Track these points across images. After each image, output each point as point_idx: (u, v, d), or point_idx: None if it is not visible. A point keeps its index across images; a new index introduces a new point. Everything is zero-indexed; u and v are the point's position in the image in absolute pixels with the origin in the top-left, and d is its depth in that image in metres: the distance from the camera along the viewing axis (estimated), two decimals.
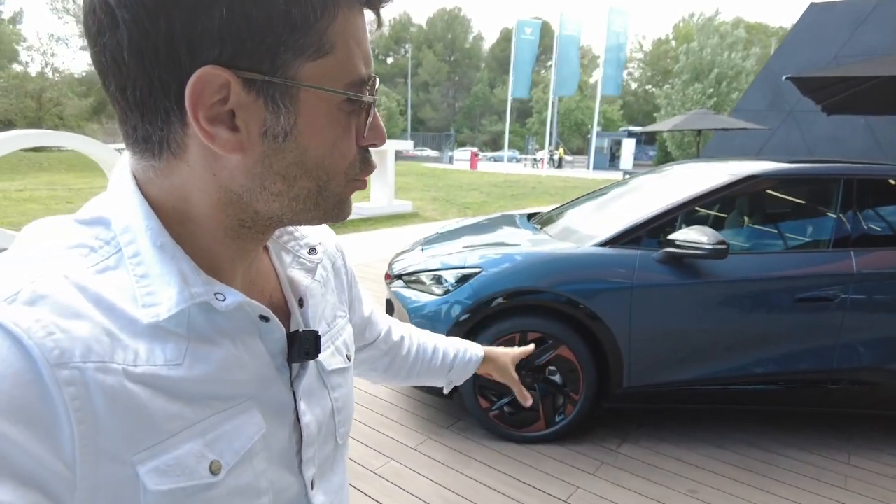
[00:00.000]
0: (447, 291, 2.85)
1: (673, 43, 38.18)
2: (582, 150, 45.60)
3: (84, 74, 37.51)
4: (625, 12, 23.08)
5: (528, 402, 1.05)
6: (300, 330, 0.57)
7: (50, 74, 36.50)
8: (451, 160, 37.40)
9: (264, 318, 0.52)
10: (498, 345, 2.68)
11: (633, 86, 58.31)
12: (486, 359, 1.03)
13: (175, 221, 0.47)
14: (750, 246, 2.95)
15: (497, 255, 2.91)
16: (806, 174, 2.99)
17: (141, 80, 0.42)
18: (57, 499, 0.38)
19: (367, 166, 0.51)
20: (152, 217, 0.46)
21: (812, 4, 12.39)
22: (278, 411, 0.54)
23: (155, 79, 0.42)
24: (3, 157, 6.01)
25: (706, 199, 2.87)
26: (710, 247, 2.54)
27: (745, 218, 3.12)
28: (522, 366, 2.79)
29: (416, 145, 50.32)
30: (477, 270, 2.84)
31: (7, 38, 35.99)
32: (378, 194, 10.69)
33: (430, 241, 3.62)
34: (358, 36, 0.46)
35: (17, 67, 35.63)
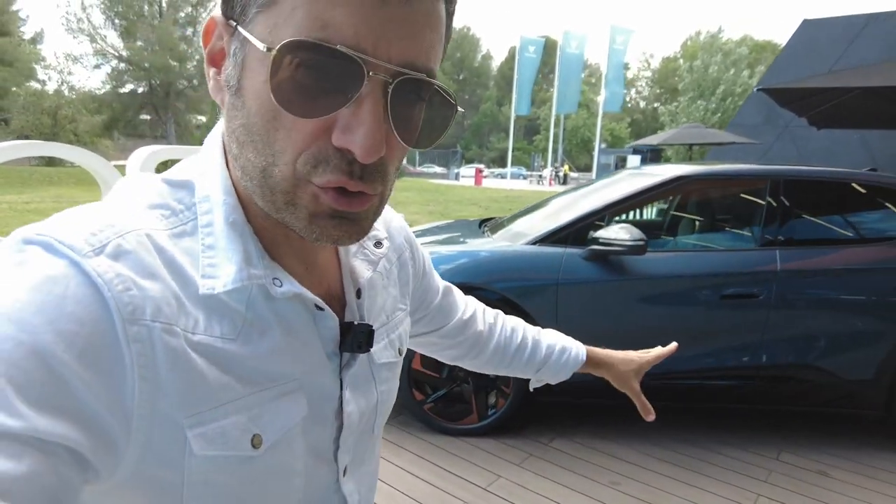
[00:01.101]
0: None
1: (681, 61, 38.46)
2: (589, 167, 45.75)
3: (97, 92, 38.55)
4: (627, 31, 23.32)
5: (651, 418, 0.97)
6: (356, 322, 0.57)
7: (66, 92, 37.53)
8: (457, 177, 37.67)
9: (319, 308, 0.52)
10: None
11: (642, 104, 58.54)
12: (596, 363, 0.96)
13: (245, 197, 0.48)
14: (676, 244, 3.03)
15: (432, 251, 3.01)
16: (733, 175, 3.07)
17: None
18: (113, 444, 0.39)
19: (328, 170, 0.42)
20: (231, 192, 0.48)
21: (805, 21, 12.49)
22: (323, 398, 0.54)
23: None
24: (15, 171, 6.24)
25: (633, 200, 2.95)
26: (629, 243, 2.63)
27: (676, 218, 3.20)
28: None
29: (423, 162, 50.76)
30: None
31: (26, 58, 37.09)
32: None
33: None
34: None
35: (34, 85, 36.64)
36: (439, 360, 0.92)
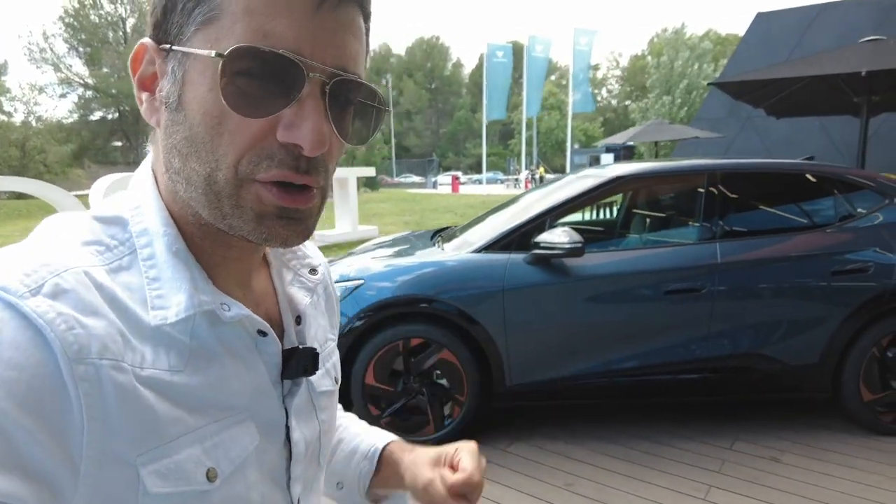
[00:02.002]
0: None
1: (649, 58, 39.13)
2: (565, 168, 46.16)
3: (65, 121, 38.07)
4: (591, 32, 23.65)
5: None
6: (300, 347, 0.57)
7: (34, 123, 36.97)
8: (434, 185, 37.77)
9: (262, 333, 0.52)
10: (383, 353, 2.80)
11: (614, 102, 59.26)
12: (390, 461, 0.75)
13: (182, 224, 0.49)
14: (619, 243, 3.07)
15: (379, 267, 3.01)
16: (670, 172, 3.13)
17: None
18: (60, 494, 0.38)
19: (272, 165, 0.44)
20: (170, 224, 0.48)
21: (759, 13, 12.77)
22: (271, 426, 0.54)
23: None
24: None
25: (573, 203, 2.99)
26: (567, 246, 2.66)
27: (618, 217, 3.24)
28: (411, 371, 2.88)
29: (400, 172, 50.83)
30: (359, 282, 2.94)
31: None
32: (342, 221, 10.82)
33: (348, 255, 3.71)
34: (252, 4, 0.41)
35: (0, 117, 36.06)
36: None
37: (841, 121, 10.34)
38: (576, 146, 28.78)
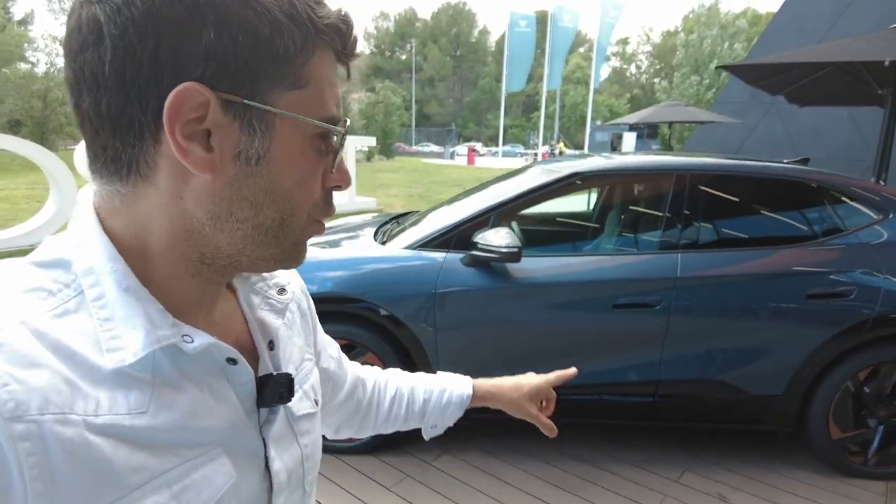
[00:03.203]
0: None
1: (682, 35, 37.60)
2: (584, 145, 45.14)
3: None
4: (620, 4, 22.60)
5: (553, 434, 0.95)
6: (273, 373, 0.56)
7: (57, 75, 36.97)
8: (452, 156, 37.19)
9: (232, 361, 0.51)
10: None
11: (643, 79, 57.41)
12: (484, 396, 0.93)
13: (138, 258, 0.46)
14: (567, 248, 2.76)
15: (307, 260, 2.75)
16: (635, 170, 2.79)
17: (118, 95, 0.42)
18: None
19: (328, 208, 0.52)
20: (117, 259, 0.45)
21: None
22: (248, 458, 0.52)
23: (133, 93, 0.41)
24: None
25: (522, 199, 2.68)
26: (503, 250, 2.37)
27: (569, 219, 2.93)
28: None
29: (419, 141, 50.30)
30: None
31: (14, 41, 36.52)
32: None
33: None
34: (331, 78, 0.48)
35: (23, 66, 36.11)
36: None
37: (872, 111, 9.71)
38: (598, 122, 27.82)
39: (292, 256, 0.52)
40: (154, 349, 0.44)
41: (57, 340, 0.41)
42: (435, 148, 45.45)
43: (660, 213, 2.63)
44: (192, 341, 0.47)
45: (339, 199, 10.46)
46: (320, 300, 2.55)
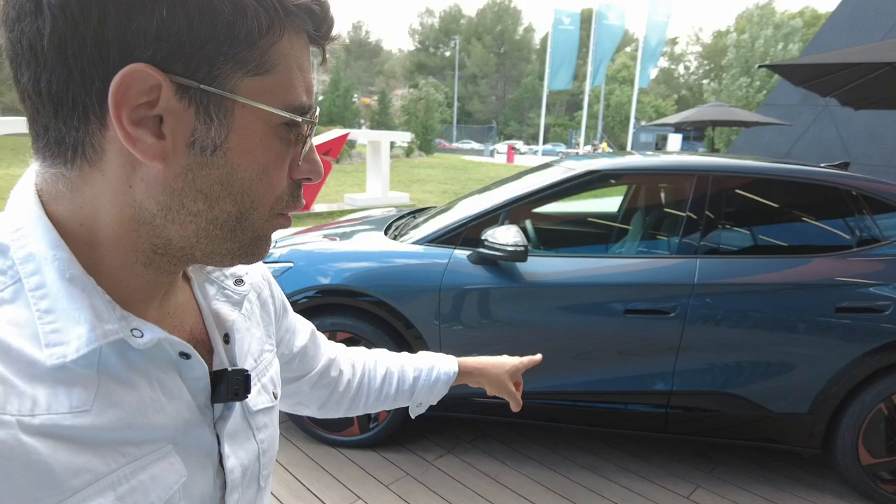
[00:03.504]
0: None
1: (734, 34, 36.28)
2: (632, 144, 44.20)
3: None
4: (669, 3, 21.92)
5: (516, 408, 1.00)
6: (228, 369, 0.53)
7: None
8: (492, 153, 36.98)
9: (184, 356, 0.48)
10: None
11: (692, 80, 55.76)
12: (469, 372, 0.97)
13: (84, 245, 0.43)
14: (582, 249, 2.66)
15: (307, 250, 2.73)
16: (654, 170, 2.65)
17: (59, 72, 0.38)
18: None
19: (295, 201, 0.49)
20: (61, 246, 0.42)
21: None
22: (200, 456, 0.50)
23: (76, 72, 0.38)
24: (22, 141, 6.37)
25: (533, 197, 2.58)
26: (509, 248, 2.29)
27: (584, 219, 2.82)
28: None
29: (460, 138, 50.20)
30: (287, 264, 2.68)
31: None
32: (373, 184, 10.62)
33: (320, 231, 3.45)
34: (301, 62, 0.45)
35: None
36: (304, 413, 0.87)
37: None
38: (642, 123, 27.14)
39: (251, 252, 0.48)
40: (100, 344, 0.41)
41: None
42: (475, 145, 45.30)
43: (678, 216, 2.49)
44: (142, 335, 0.44)
45: (373, 192, 10.50)
46: (327, 292, 2.55)
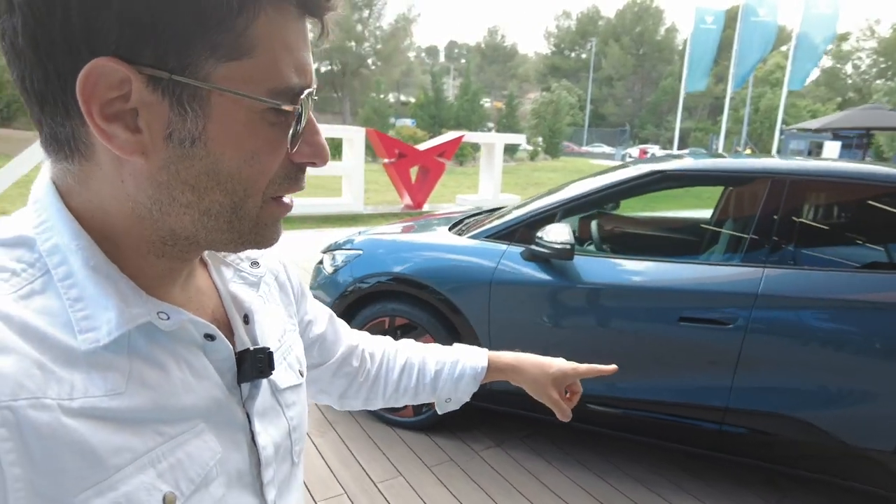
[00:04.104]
0: (335, 269, 2.95)
1: None
2: (779, 152, 40.13)
3: None
4: None
5: (567, 419, 0.89)
6: (251, 348, 0.55)
7: None
8: (624, 158, 35.59)
9: (209, 337, 0.50)
10: (369, 328, 2.75)
11: (862, 80, 49.25)
12: (501, 368, 0.89)
13: (101, 236, 0.44)
14: (636, 250, 2.56)
15: (376, 239, 2.92)
16: (723, 173, 2.48)
17: (37, 70, 0.39)
18: None
19: (292, 184, 0.47)
20: (82, 235, 0.43)
21: None
22: (233, 434, 0.52)
23: (51, 70, 0.38)
24: None
25: (592, 196, 2.55)
26: (557, 246, 2.30)
27: (645, 220, 2.70)
28: None
29: (591, 141, 48.83)
30: (358, 251, 2.89)
31: None
32: (485, 186, 10.79)
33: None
34: (288, 40, 0.42)
35: None
36: (325, 402, 0.86)
37: None
38: (784, 128, 24.46)
39: (256, 240, 0.48)
40: (129, 328, 0.43)
41: (24, 323, 0.39)
42: (607, 149, 43.88)
43: (747, 222, 2.33)
44: (168, 318, 0.45)
45: (484, 194, 10.66)
46: (390, 280, 2.72)
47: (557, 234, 2.32)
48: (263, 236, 0.48)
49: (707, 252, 2.52)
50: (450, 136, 10.31)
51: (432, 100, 28.73)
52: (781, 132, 22.96)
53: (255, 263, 0.61)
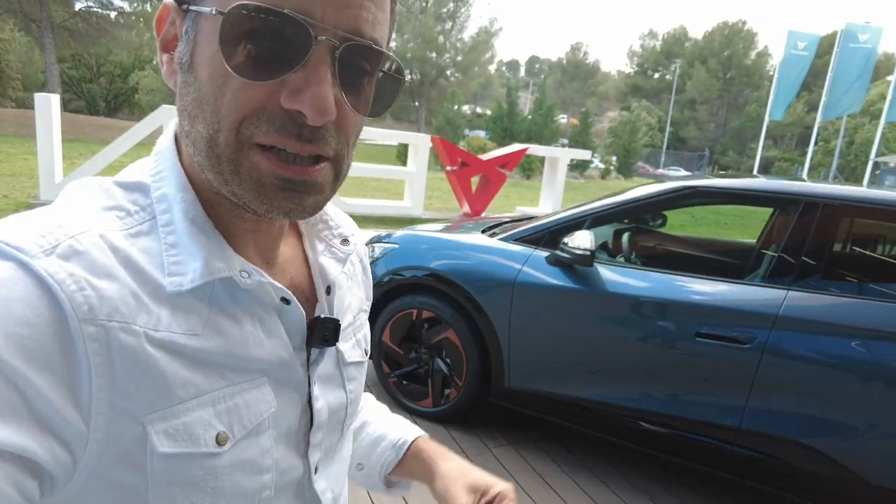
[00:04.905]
0: (373, 260, 3.11)
1: None
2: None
3: None
4: None
5: None
6: (322, 316, 0.57)
7: None
8: None
9: (285, 301, 0.52)
10: (399, 316, 2.90)
11: None
12: (417, 455, 0.74)
13: (201, 191, 0.49)
14: (660, 263, 2.57)
15: (414, 234, 3.06)
16: (754, 192, 2.44)
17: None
18: (70, 448, 0.39)
19: (277, 132, 0.43)
20: (188, 189, 0.48)
21: None
22: (291, 392, 0.54)
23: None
24: None
25: (620, 208, 2.58)
26: (577, 252, 2.36)
27: (673, 234, 2.70)
28: (419, 342, 2.93)
29: (668, 164, 47.39)
30: (395, 245, 3.04)
31: None
32: (546, 199, 10.77)
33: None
34: None
35: None
36: None
37: None
38: (873, 160, 22.78)
39: (243, 192, 0.45)
40: (211, 280, 0.46)
41: (129, 256, 0.44)
42: (684, 173, 42.43)
43: (774, 239, 2.30)
44: (249, 277, 0.49)
45: (543, 208, 10.64)
46: (426, 275, 2.85)
47: (580, 240, 2.38)
48: (257, 194, 0.44)
49: (725, 269, 2.50)
50: (513, 147, 10.38)
51: (505, 112, 28.89)
52: (876, 166, 21.45)
53: (345, 241, 0.63)
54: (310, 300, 0.58)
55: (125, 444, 0.42)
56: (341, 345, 0.60)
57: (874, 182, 21.76)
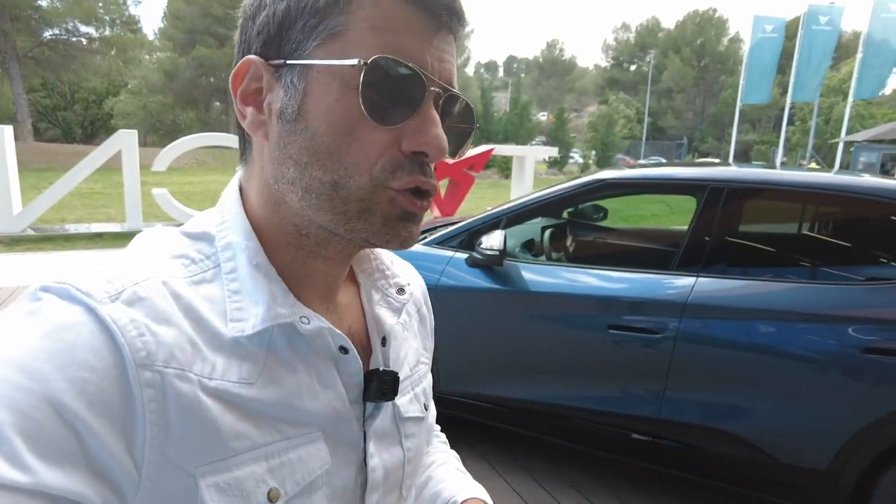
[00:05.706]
0: None
1: None
2: (848, 165, 37.85)
3: None
4: None
5: None
6: (380, 368, 0.56)
7: None
8: None
9: (343, 350, 0.52)
10: None
11: None
12: None
13: (262, 233, 0.50)
14: (593, 258, 2.57)
15: None
16: (662, 180, 2.45)
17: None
18: (122, 495, 0.39)
19: (406, 176, 0.46)
20: (252, 237, 0.49)
21: None
22: (346, 449, 0.52)
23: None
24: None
25: (534, 205, 2.58)
26: (487, 252, 2.35)
27: (585, 227, 2.70)
28: None
29: (648, 155, 47.64)
30: None
31: None
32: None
33: None
34: (394, 28, 0.45)
35: None
36: None
37: None
38: (841, 139, 22.98)
39: (369, 228, 0.47)
40: (272, 325, 0.46)
41: (189, 303, 0.44)
42: (663, 162, 42.66)
43: (681, 229, 2.30)
44: (309, 323, 0.48)
45: None
46: None
47: (491, 240, 2.37)
48: (381, 227, 0.47)
49: (636, 259, 2.50)
50: (479, 149, 10.40)
51: (481, 114, 28.99)
52: (850, 144, 21.67)
53: (401, 290, 0.61)
54: (365, 351, 0.56)
55: (175, 495, 0.41)
56: (398, 399, 0.57)
57: (848, 160, 21.98)
